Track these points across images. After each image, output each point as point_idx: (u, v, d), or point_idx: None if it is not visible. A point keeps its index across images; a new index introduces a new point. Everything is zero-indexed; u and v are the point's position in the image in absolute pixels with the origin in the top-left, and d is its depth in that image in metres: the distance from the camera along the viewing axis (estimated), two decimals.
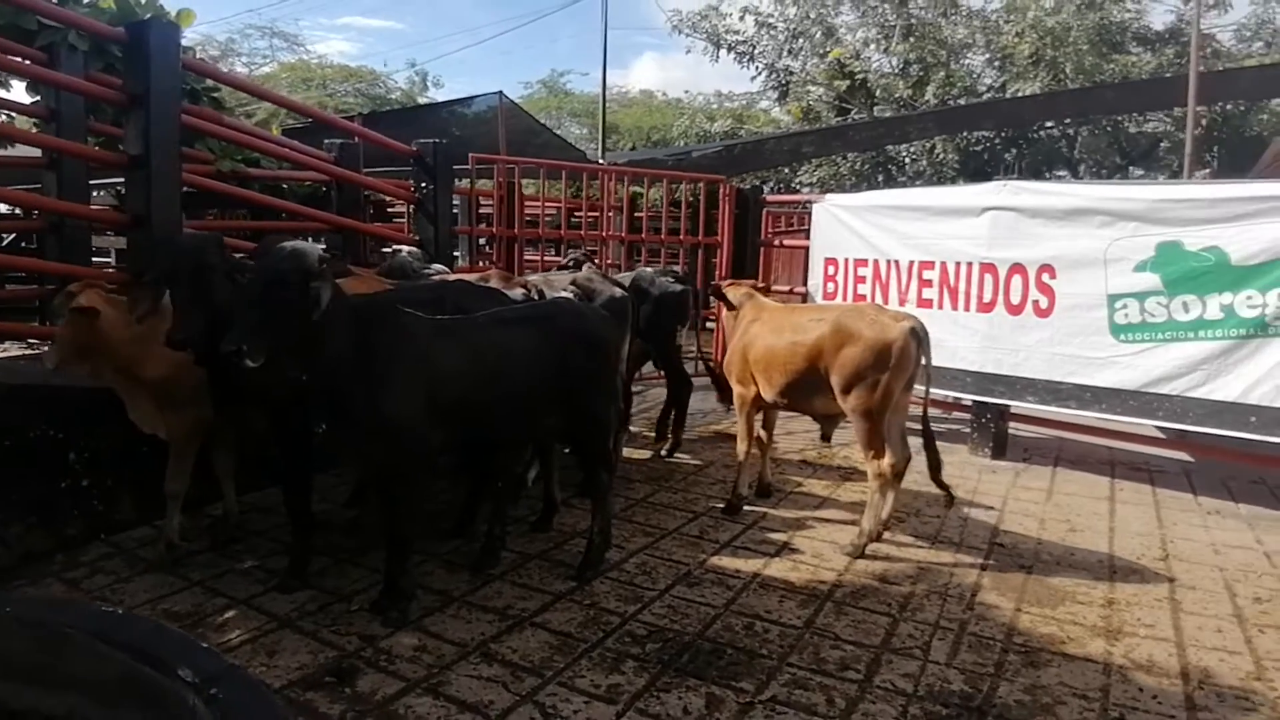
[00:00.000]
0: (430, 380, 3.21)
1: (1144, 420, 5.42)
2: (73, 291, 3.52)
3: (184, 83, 5.31)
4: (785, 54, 19.51)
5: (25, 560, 3.77)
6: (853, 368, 4.18)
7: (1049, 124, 17.33)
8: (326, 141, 6.91)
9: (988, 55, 17.90)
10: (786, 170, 19.67)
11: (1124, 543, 4.49)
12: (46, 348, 3.65)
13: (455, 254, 7.73)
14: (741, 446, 4.82)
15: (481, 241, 8.55)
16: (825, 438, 5.88)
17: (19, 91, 5.55)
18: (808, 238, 7.80)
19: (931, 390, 6.40)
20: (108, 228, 5.22)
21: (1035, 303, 5.82)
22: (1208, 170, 16.17)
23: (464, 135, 12.55)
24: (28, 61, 4.83)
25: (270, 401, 3.50)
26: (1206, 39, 15.61)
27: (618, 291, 5.02)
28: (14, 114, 5.79)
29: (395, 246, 5.76)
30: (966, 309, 6.23)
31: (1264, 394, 4.85)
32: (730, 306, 4.99)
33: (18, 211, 6.31)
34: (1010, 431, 6.43)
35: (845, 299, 7.11)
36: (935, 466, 4.31)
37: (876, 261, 6.95)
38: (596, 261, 7.65)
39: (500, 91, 12.46)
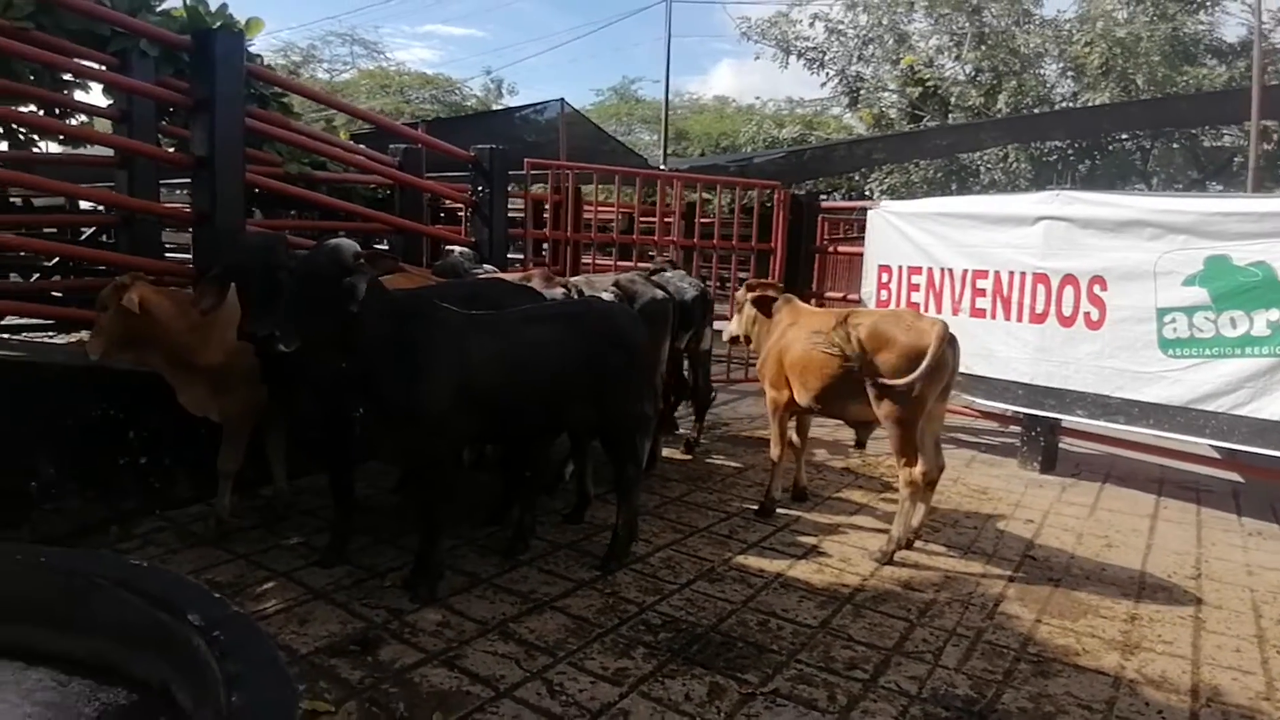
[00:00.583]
0: (461, 371, 3.38)
1: (1191, 437, 5.31)
2: (123, 284, 3.72)
3: (252, 88, 5.63)
4: (856, 60, 19.38)
5: (83, 531, 4.06)
6: (887, 373, 4.21)
7: (1123, 136, 16.83)
8: (391, 146, 7.21)
9: (1060, 65, 17.48)
10: (857, 178, 19.51)
11: (1158, 560, 4.42)
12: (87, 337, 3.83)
13: (517, 256, 7.95)
14: (774, 450, 4.88)
15: (545, 246, 8.76)
16: (860, 444, 5.89)
17: (96, 95, 5.91)
18: (863, 245, 7.80)
19: (983, 401, 6.47)
20: (176, 224, 5.54)
21: (1086, 314, 5.74)
22: None
23: (537, 141, 12.88)
24: (102, 67, 5.17)
25: (315, 388, 3.72)
26: (1275, 53, 15.01)
27: (658, 294, 5.12)
28: (91, 116, 6.16)
29: (448, 247, 5.99)
30: (1019, 319, 6.17)
31: None
32: (766, 311, 5.02)
33: (99, 207, 6.74)
34: (1063, 447, 6.34)
35: (899, 307, 7.09)
36: None
37: (930, 269, 6.92)
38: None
39: (562, 99, 12.72)
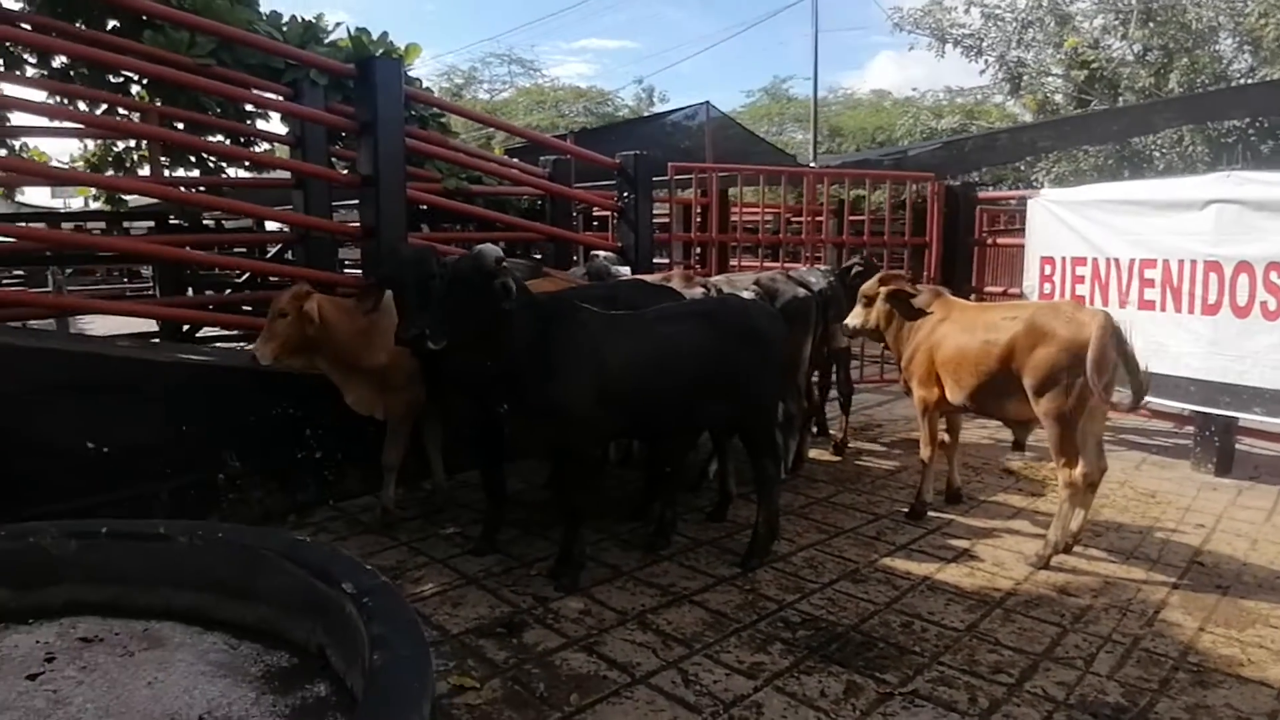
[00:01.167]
0: (599, 369, 3.50)
1: None
2: (302, 293, 4.05)
3: (412, 110, 6.00)
4: (1016, 45, 18.37)
5: (265, 518, 4.48)
6: (1046, 369, 4.00)
7: None
8: (541, 159, 7.50)
9: (1235, 39, 15.94)
10: (1022, 168, 18.51)
11: None
12: (257, 343, 4.08)
13: (664, 260, 8.08)
14: (925, 451, 4.74)
15: (696, 250, 8.87)
16: (1019, 445, 5.59)
17: (274, 123, 6.49)
18: (1024, 236, 7.45)
19: (1153, 400, 6.02)
20: (346, 239, 5.99)
21: (1263, 304, 5.24)
22: None
23: (688, 147, 13.01)
24: (278, 97, 5.66)
25: (466, 387, 3.94)
26: None
27: (800, 292, 5.09)
28: (270, 143, 6.73)
29: (594, 252, 6.18)
30: (1190, 311, 5.71)
31: None
32: (904, 309, 4.81)
33: (284, 227, 7.38)
34: (1240, 448, 5.82)
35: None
36: None
37: (1095, 260, 6.52)
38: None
39: (707, 102, 12.79)
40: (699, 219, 8.26)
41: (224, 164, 7.07)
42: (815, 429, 6.31)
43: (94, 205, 9.81)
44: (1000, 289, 8.13)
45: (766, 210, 9.19)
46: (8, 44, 5.64)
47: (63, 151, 9.90)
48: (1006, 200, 10.70)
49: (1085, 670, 3.03)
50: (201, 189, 7.30)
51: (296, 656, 2.03)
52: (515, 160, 7.61)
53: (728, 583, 3.79)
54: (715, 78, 75.77)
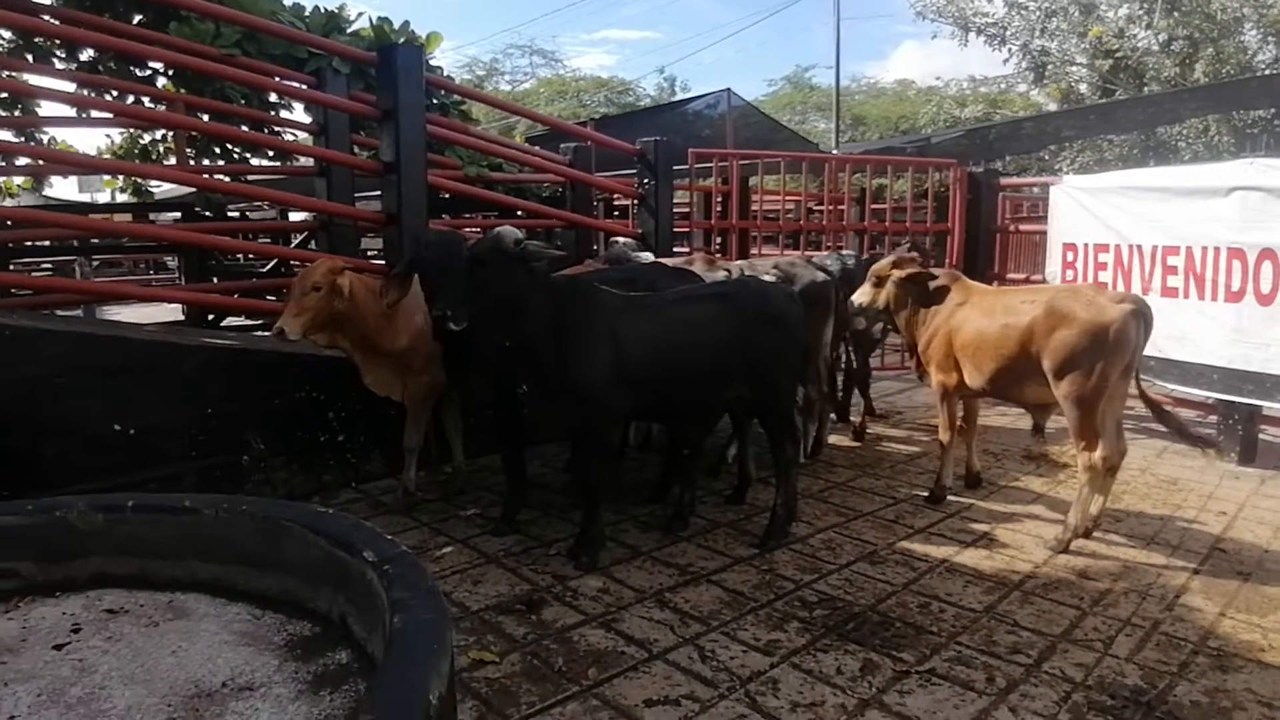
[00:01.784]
0: (618, 349, 3.52)
1: None
2: (336, 266, 4.05)
3: (434, 97, 6.04)
4: (1040, 34, 18.19)
5: (289, 500, 4.50)
6: (1066, 352, 3.98)
7: None
8: (561, 146, 7.52)
9: (1261, 30, 15.70)
10: (1046, 157, 18.35)
11: None
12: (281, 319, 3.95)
13: (684, 250, 8.08)
14: (944, 435, 4.73)
15: (716, 239, 8.86)
16: (1038, 429, 5.57)
17: (297, 113, 6.55)
18: (1046, 223, 7.39)
19: (1176, 388, 5.96)
20: (368, 226, 6.05)
21: None
22: None
23: (709, 136, 12.97)
24: (302, 86, 5.71)
25: (486, 367, 3.97)
26: None
27: (819, 276, 5.09)
28: (295, 131, 6.81)
29: (614, 238, 6.19)
30: (1213, 298, 5.65)
31: None
32: (920, 295, 4.78)
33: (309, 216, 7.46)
34: (1265, 438, 5.75)
35: None
36: None
37: (1118, 247, 6.47)
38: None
39: (728, 89, 12.74)
40: (719, 207, 8.25)
41: (248, 154, 7.16)
42: (834, 416, 6.30)
43: (119, 199, 9.95)
44: (1022, 276, 8.07)
45: (788, 199, 9.17)
46: (37, 39, 5.73)
47: (89, 146, 10.08)
48: (1029, 187, 10.59)
49: (1104, 653, 3.02)
50: (226, 179, 7.39)
51: (319, 626, 2.06)
52: (534, 147, 7.63)
53: (745, 563, 3.81)
54: (737, 67, 75.54)
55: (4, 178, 9.56)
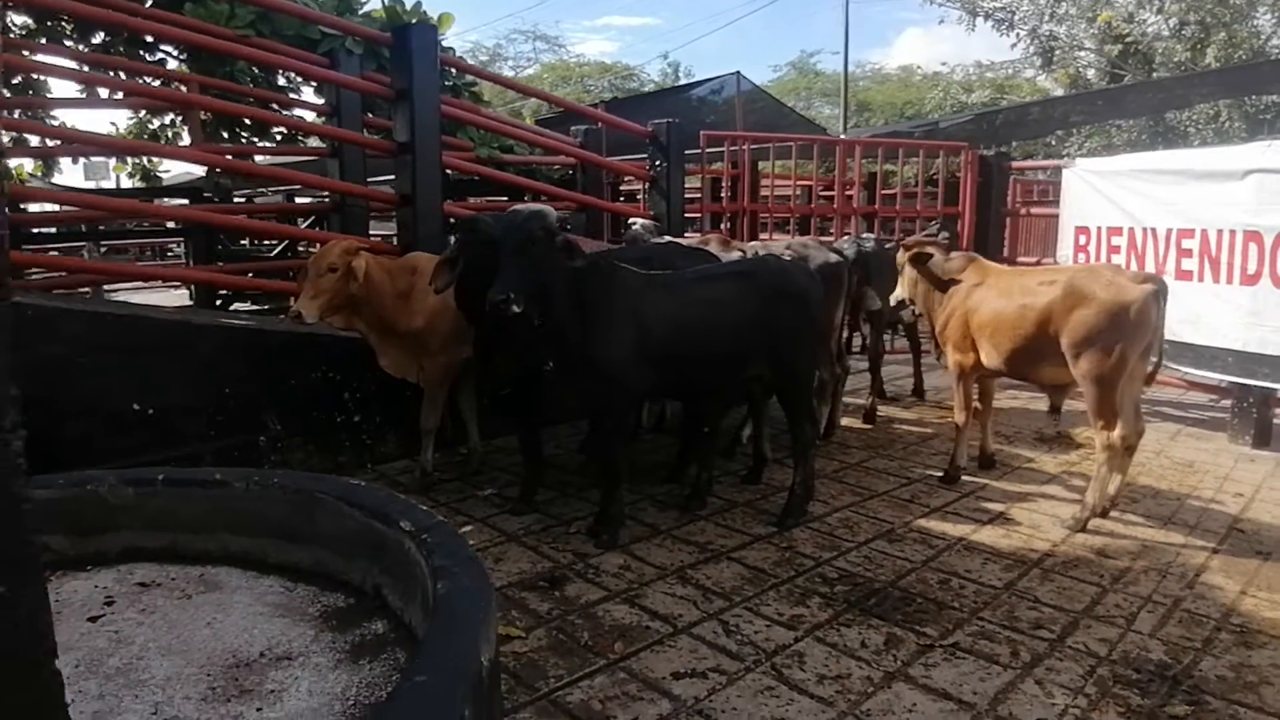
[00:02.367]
0: (639, 327, 3.52)
1: None
2: (352, 248, 4.04)
3: (445, 78, 6.02)
4: (1048, 19, 18.04)
5: None
6: (1085, 332, 3.97)
7: None
8: (572, 128, 7.49)
9: (1274, 15, 15.55)
10: (1053, 142, 18.25)
11: None
12: (297, 302, 4.01)
13: (694, 235, 8.06)
14: (959, 416, 4.73)
15: (725, 222, 8.85)
16: (1054, 409, 5.56)
17: (310, 96, 6.53)
18: (1058, 206, 7.37)
19: (1191, 370, 5.95)
20: (381, 206, 6.02)
21: None
22: None
23: (716, 121, 12.92)
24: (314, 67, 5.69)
25: (510, 346, 3.95)
26: None
27: (832, 257, 5.07)
28: (308, 112, 6.78)
29: (632, 220, 6.18)
30: (1229, 281, 5.64)
31: None
32: (930, 276, 4.77)
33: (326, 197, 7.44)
34: (1279, 421, 5.75)
35: None
36: None
37: (1131, 230, 6.45)
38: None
39: (738, 72, 12.68)
40: (729, 191, 8.22)
41: (255, 138, 7.14)
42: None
43: (127, 185, 9.95)
44: (1033, 259, 8.04)
45: (794, 181, 9.13)
46: (50, 22, 5.72)
47: (99, 129, 10.02)
48: (1040, 170, 10.55)
49: (1126, 629, 3.03)
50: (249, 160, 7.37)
51: (353, 597, 2.07)
52: (545, 130, 7.61)
53: (764, 541, 3.82)
54: (741, 53, 75.18)
55: (17, 160, 9.54)
